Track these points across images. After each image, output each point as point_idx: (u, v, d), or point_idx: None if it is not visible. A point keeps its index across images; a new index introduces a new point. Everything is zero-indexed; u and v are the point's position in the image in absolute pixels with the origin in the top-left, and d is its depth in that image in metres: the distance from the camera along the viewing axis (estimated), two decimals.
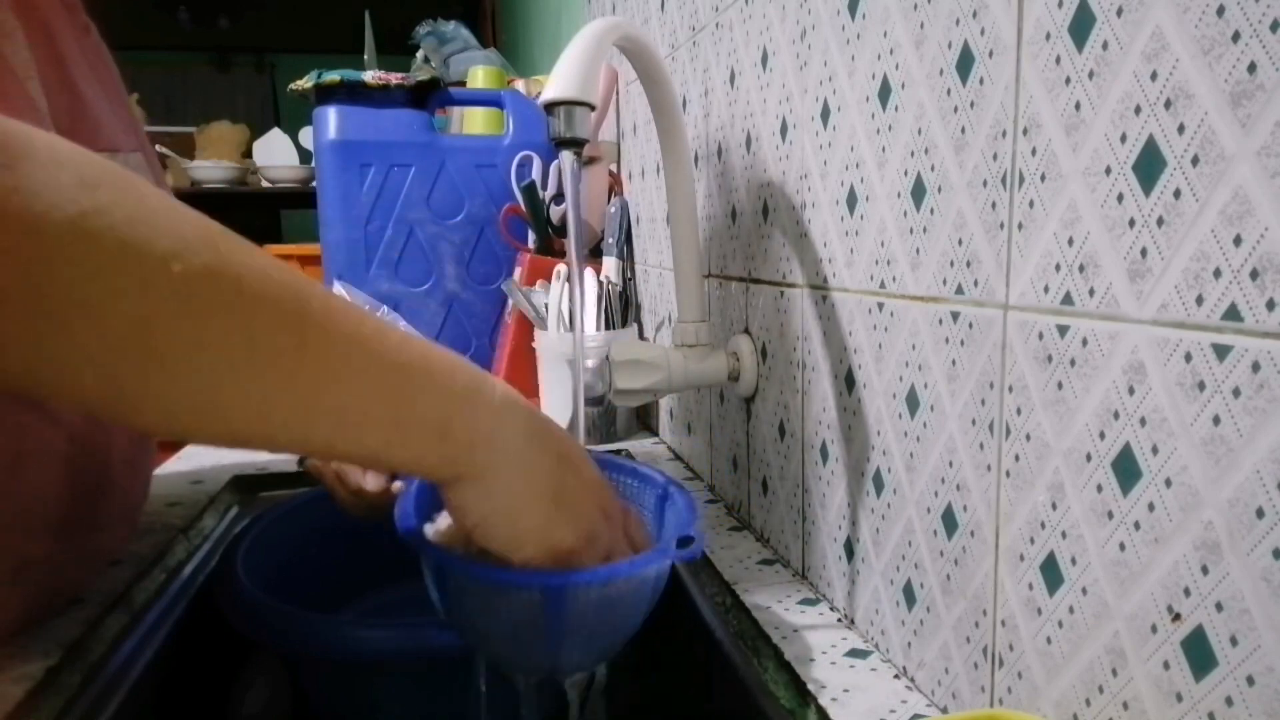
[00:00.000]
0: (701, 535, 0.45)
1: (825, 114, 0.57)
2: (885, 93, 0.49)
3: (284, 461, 0.95)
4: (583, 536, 0.42)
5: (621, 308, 1.01)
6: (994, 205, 0.41)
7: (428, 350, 0.39)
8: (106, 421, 0.35)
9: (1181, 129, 0.31)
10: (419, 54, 1.72)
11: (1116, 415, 0.34)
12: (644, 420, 1.11)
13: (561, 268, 1.01)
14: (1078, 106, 0.35)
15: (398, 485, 0.56)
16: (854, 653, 0.54)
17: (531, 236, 1.17)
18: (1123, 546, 0.34)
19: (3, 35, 0.47)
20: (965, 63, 0.42)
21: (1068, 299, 0.36)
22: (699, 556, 0.46)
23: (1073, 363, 0.36)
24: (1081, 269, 0.35)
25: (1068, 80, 0.36)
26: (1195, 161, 0.30)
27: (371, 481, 0.56)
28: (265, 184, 3.20)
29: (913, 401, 0.49)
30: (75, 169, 0.30)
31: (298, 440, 0.36)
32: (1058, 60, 0.36)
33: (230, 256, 0.33)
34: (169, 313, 0.31)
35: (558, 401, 1.01)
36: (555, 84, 0.56)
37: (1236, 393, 0.29)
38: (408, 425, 0.38)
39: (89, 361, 0.30)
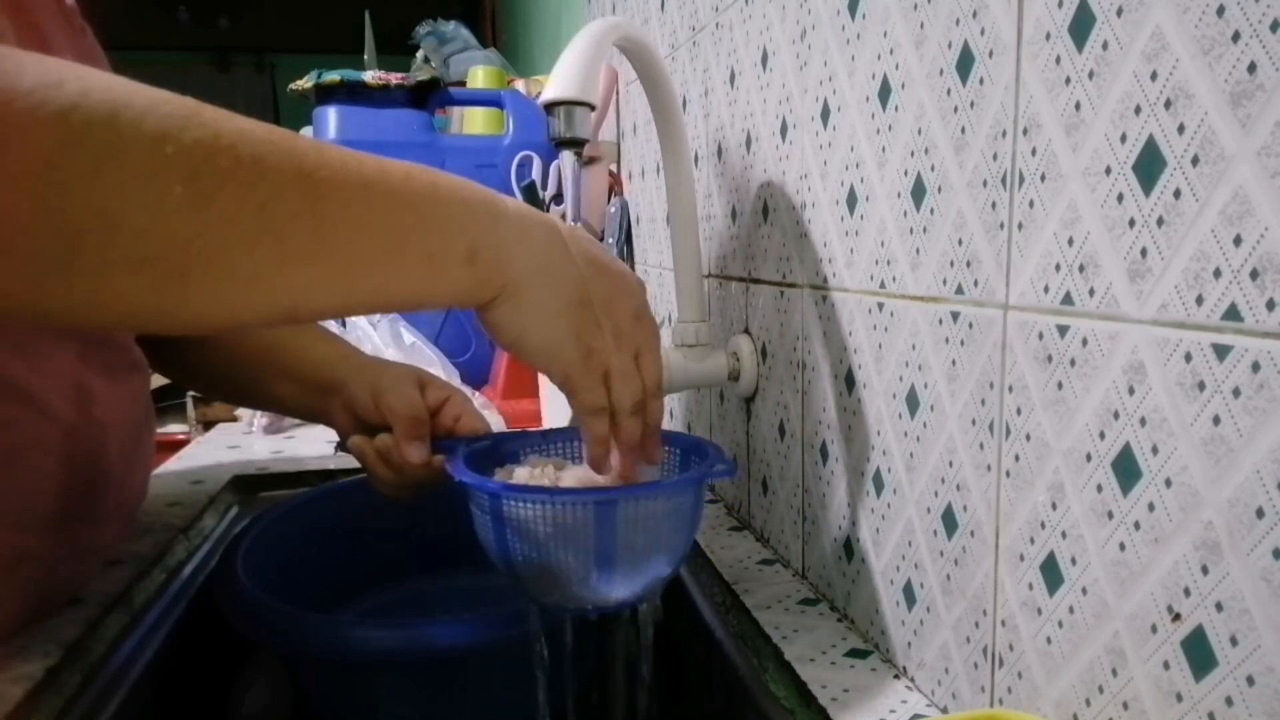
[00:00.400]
0: (731, 463, 0.48)
1: (825, 114, 0.57)
2: (885, 93, 0.49)
3: (284, 461, 0.95)
4: (613, 336, 0.44)
5: None
6: (994, 205, 0.41)
7: (435, 179, 0.39)
8: (154, 329, 0.35)
9: (1181, 129, 0.31)
10: (419, 54, 1.73)
11: (1116, 415, 0.34)
12: None
13: None
14: (1078, 106, 0.35)
15: (439, 459, 0.57)
16: (854, 653, 0.54)
17: None
18: (1123, 546, 0.34)
19: None
20: (965, 63, 0.42)
21: (1068, 299, 0.36)
22: (734, 474, 0.48)
23: (1073, 363, 0.36)
24: (1081, 269, 0.35)
25: (1068, 80, 0.36)
26: (1195, 161, 0.30)
27: (415, 453, 0.56)
28: None
29: (913, 401, 0.49)
30: (33, 74, 0.28)
31: (341, 300, 0.37)
32: (1058, 60, 0.36)
33: (218, 126, 0.32)
34: (178, 201, 0.30)
35: (558, 401, 1.01)
36: (555, 84, 0.56)
37: (1236, 393, 0.29)
38: (438, 258, 0.38)
39: (119, 270, 0.30)
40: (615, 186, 1.18)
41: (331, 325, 1.14)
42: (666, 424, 1.02)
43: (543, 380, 1.04)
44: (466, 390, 1.02)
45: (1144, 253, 0.32)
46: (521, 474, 0.53)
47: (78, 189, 0.29)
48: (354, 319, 1.10)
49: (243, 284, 0.33)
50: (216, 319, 0.35)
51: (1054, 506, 0.38)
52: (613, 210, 1.12)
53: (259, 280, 0.33)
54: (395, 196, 0.37)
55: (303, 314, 0.36)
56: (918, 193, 0.47)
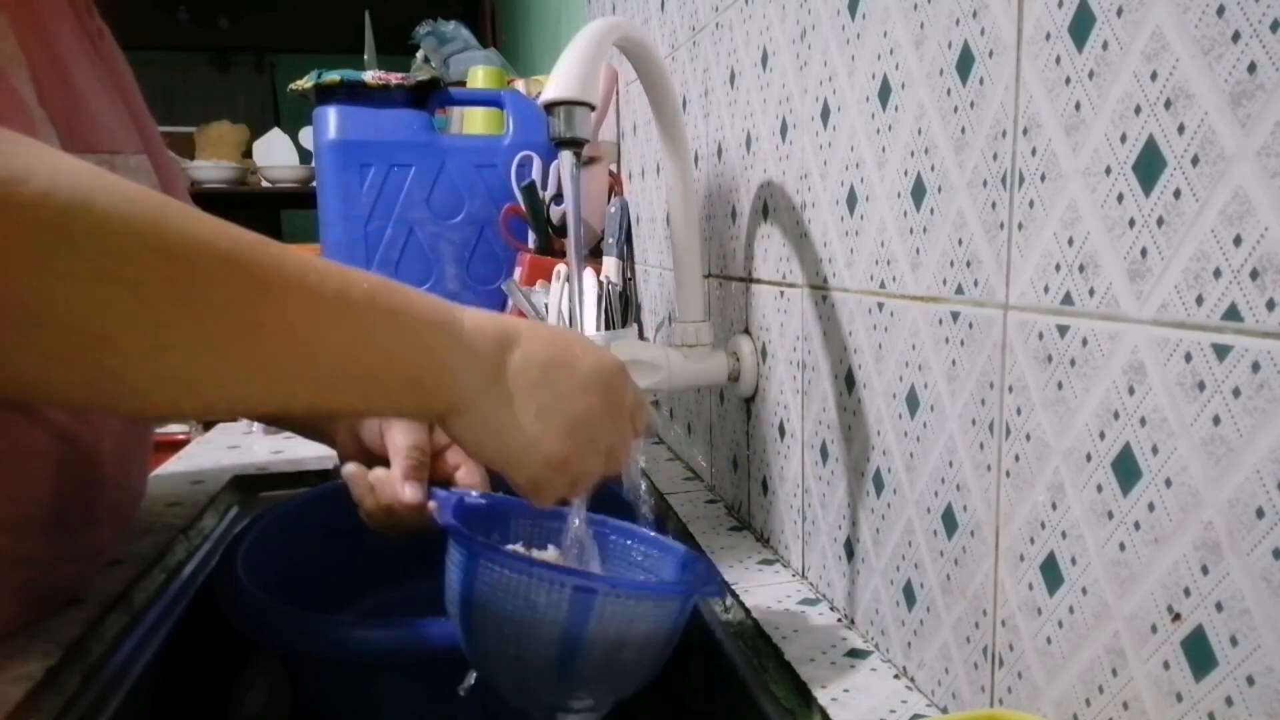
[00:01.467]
0: (722, 588, 0.47)
1: (825, 114, 0.57)
2: (885, 93, 0.49)
3: (284, 461, 0.95)
4: (577, 442, 0.43)
5: (621, 308, 1.01)
6: (994, 205, 0.41)
7: (395, 299, 0.39)
8: (93, 414, 0.36)
9: (1181, 129, 0.31)
10: (419, 54, 1.72)
11: (1116, 415, 0.34)
12: None
13: (561, 268, 1.01)
14: (1078, 106, 0.35)
15: (432, 505, 0.55)
16: (854, 653, 0.54)
17: (531, 236, 1.17)
18: (1123, 546, 0.34)
19: None
20: (965, 63, 0.42)
21: (1068, 299, 0.36)
22: (718, 596, 0.47)
23: (1073, 363, 0.36)
24: (1081, 269, 0.35)
25: (1068, 80, 0.36)
26: (1195, 161, 0.30)
27: (410, 493, 0.55)
28: (265, 184, 3.20)
29: (913, 401, 0.49)
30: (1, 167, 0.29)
31: (280, 406, 0.37)
32: (1058, 60, 0.36)
33: (180, 233, 0.33)
34: (122, 306, 0.31)
35: None
36: (555, 84, 0.56)
37: (1236, 393, 0.29)
38: (381, 378, 0.39)
39: (59, 363, 0.31)
40: (615, 186, 1.18)
41: None
42: (666, 424, 1.02)
43: None
44: None
45: (1144, 253, 0.32)
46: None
47: (22, 279, 0.29)
48: None
49: (177, 387, 0.34)
50: (152, 412, 0.35)
51: (1054, 506, 0.38)
52: (613, 210, 1.12)
53: (195, 386, 0.34)
54: (346, 317, 0.37)
55: (240, 414, 0.36)
56: (918, 193, 0.47)
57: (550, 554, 0.54)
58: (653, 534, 0.57)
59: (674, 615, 0.46)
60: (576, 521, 0.52)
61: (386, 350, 0.38)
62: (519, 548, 0.55)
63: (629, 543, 0.56)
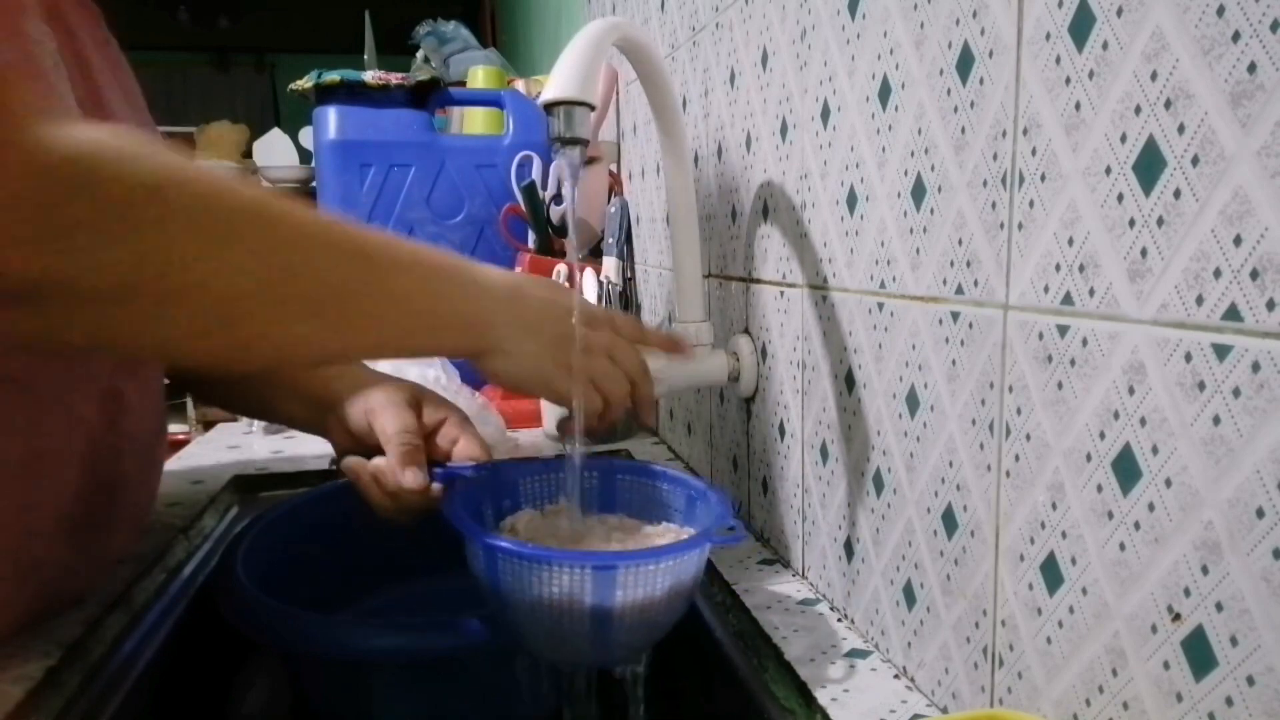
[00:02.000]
0: (741, 525, 0.49)
1: (825, 114, 0.57)
2: (885, 93, 0.49)
3: (284, 461, 0.95)
4: (587, 351, 0.54)
5: (621, 308, 1.01)
6: (994, 205, 0.41)
7: (454, 265, 0.50)
8: (225, 368, 0.56)
9: (1181, 129, 0.31)
10: (419, 54, 1.72)
11: (1116, 415, 0.34)
12: None
13: (561, 268, 1.01)
14: (1078, 106, 0.35)
15: (436, 487, 0.56)
16: (854, 653, 0.54)
17: (531, 236, 1.17)
18: (1123, 546, 0.34)
19: (39, 42, 0.47)
20: (965, 63, 0.42)
21: (1068, 299, 0.36)
22: (736, 541, 0.49)
23: (1073, 363, 0.36)
24: (1081, 269, 0.35)
25: (1068, 80, 0.36)
26: (1195, 161, 0.30)
27: (410, 478, 0.56)
28: (265, 184, 3.19)
29: (913, 401, 0.49)
30: (159, 163, 0.38)
31: (372, 350, 0.52)
32: (1058, 60, 0.36)
33: (291, 232, 0.43)
34: (260, 282, 0.41)
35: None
36: (555, 84, 0.56)
37: (1236, 393, 0.29)
38: (442, 327, 0.50)
39: (210, 329, 0.41)
40: (615, 186, 1.18)
41: None
42: (666, 424, 1.02)
43: None
44: (467, 391, 1.02)
45: (1144, 253, 0.32)
46: (523, 519, 0.55)
47: (188, 267, 0.38)
48: None
49: (301, 344, 0.45)
50: (256, 365, 0.53)
51: (1054, 506, 0.38)
52: (613, 210, 1.12)
53: (313, 343, 0.46)
54: (429, 286, 0.49)
55: (341, 360, 0.57)
56: (918, 193, 0.47)
57: (562, 505, 0.57)
58: (658, 467, 0.60)
59: (695, 564, 0.49)
60: (584, 472, 0.57)
61: (450, 308, 0.49)
62: (532, 511, 0.57)
63: (639, 480, 0.59)
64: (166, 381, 0.70)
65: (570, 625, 0.46)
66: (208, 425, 1.29)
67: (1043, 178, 0.37)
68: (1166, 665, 0.33)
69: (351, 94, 1.15)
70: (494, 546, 0.46)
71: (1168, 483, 0.32)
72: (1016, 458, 0.40)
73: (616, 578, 0.45)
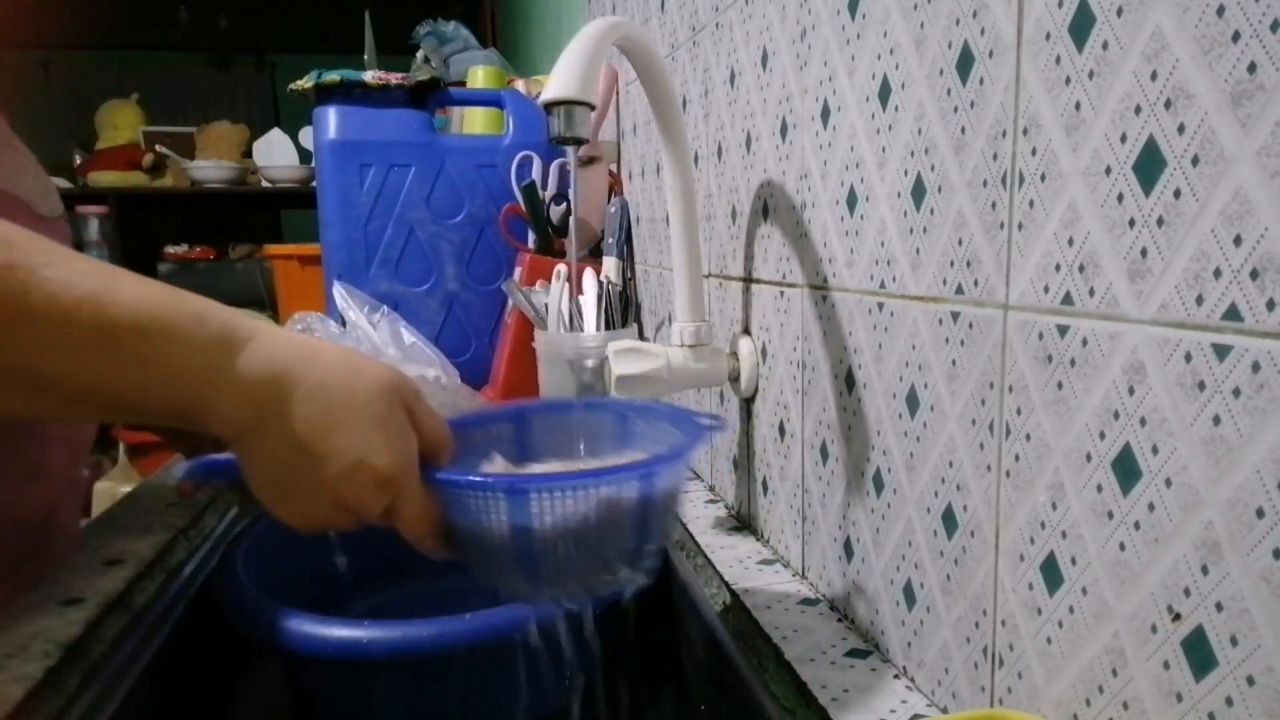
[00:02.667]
0: (706, 428, 0.47)
1: (825, 114, 0.57)
2: (885, 93, 0.49)
3: None
4: (310, 521, 0.43)
5: (621, 308, 1.01)
6: (994, 205, 0.41)
7: (155, 318, 0.38)
8: None
9: (1181, 129, 0.31)
10: (419, 54, 1.73)
11: (1116, 415, 0.34)
12: None
13: (561, 268, 1.01)
14: (1078, 106, 0.35)
15: None
16: (854, 653, 0.54)
17: (531, 236, 1.17)
18: (1123, 546, 0.34)
19: None
20: (965, 63, 0.42)
21: (1068, 299, 0.36)
22: (725, 429, 0.47)
23: (1073, 363, 0.36)
24: (1081, 269, 0.35)
25: (1068, 80, 0.35)
26: (1195, 161, 0.30)
27: None
28: (265, 184, 3.20)
29: (913, 401, 0.49)
30: None
31: (38, 416, 0.43)
32: (1058, 60, 0.36)
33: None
34: None
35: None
36: (555, 84, 0.56)
37: (1236, 393, 0.29)
38: (150, 405, 0.39)
39: None
40: (615, 186, 1.18)
41: (332, 323, 1.14)
42: None
43: (543, 380, 1.04)
44: (467, 391, 1.02)
45: (1144, 253, 0.32)
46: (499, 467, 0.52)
47: None
48: (355, 318, 1.10)
49: None
50: None
51: (1054, 506, 0.38)
52: (613, 210, 1.12)
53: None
54: (99, 345, 0.37)
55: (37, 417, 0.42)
56: (918, 193, 0.47)
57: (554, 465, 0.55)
58: (654, 406, 0.57)
59: (637, 489, 0.45)
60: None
61: (157, 378, 0.38)
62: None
63: (628, 419, 0.56)
64: None
65: (499, 552, 0.44)
66: None
67: (1043, 178, 0.37)
68: (1166, 665, 0.33)
69: (351, 94, 1.15)
70: (431, 476, 0.44)
71: (1168, 483, 0.32)
72: (1016, 458, 0.40)
73: (529, 503, 0.42)
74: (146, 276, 0.40)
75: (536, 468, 0.55)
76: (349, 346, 0.45)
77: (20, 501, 0.59)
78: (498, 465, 0.53)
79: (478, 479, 0.45)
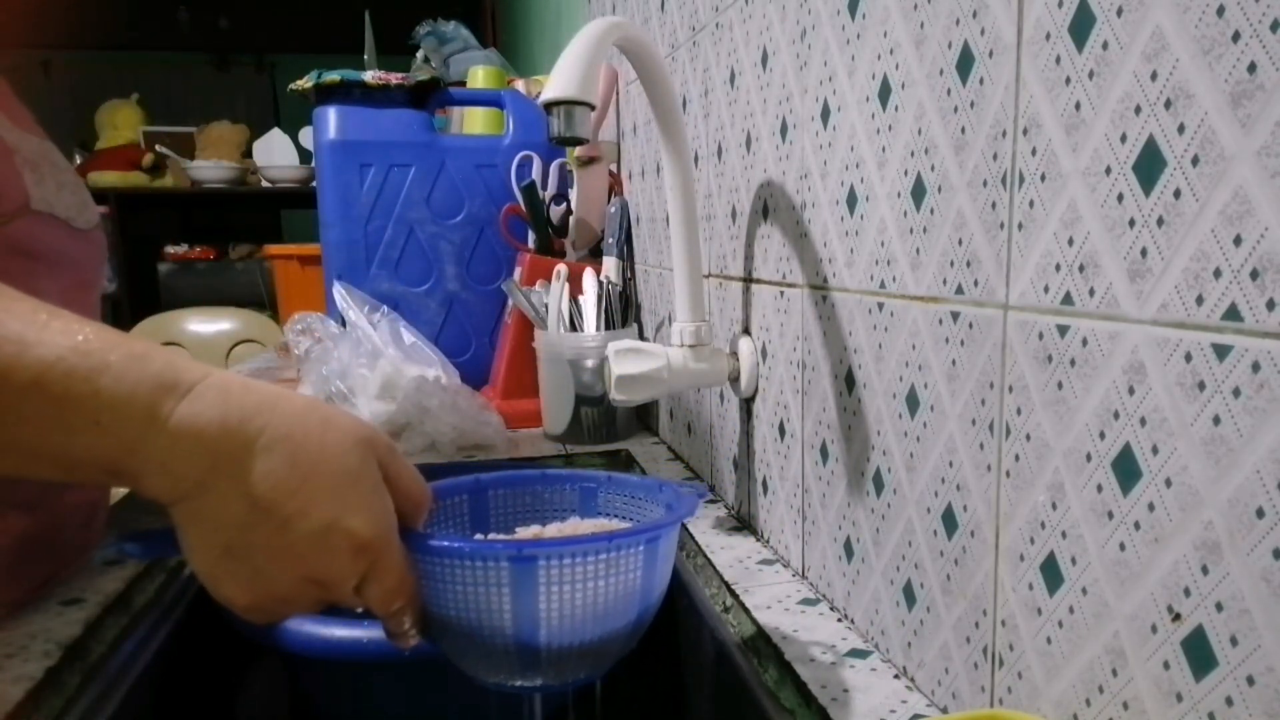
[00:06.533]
0: (689, 500, 0.44)
1: (825, 114, 0.57)
2: (885, 93, 0.49)
3: None
4: (264, 598, 0.37)
5: (621, 308, 1.01)
6: (994, 205, 0.41)
7: (92, 376, 0.33)
8: None
9: (1181, 129, 0.31)
10: (419, 54, 1.73)
11: (1116, 415, 0.34)
12: (644, 420, 1.11)
13: (561, 268, 1.01)
14: (1078, 106, 0.35)
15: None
16: (854, 653, 0.54)
17: (531, 236, 1.17)
18: (1123, 546, 0.34)
19: None
20: (965, 63, 0.42)
21: (1068, 299, 0.36)
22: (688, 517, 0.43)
23: (1073, 363, 0.36)
24: (1081, 269, 0.35)
25: (1068, 80, 0.36)
26: (1195, 161, 0.30)
27: None
28: (265, 184, 3.20)
29: (913, 401, 0.49)
30: None
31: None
32: (1058, 60, 0.36)
33: None
34: None
35: (558, 401, 1.01)
36: (555, 84, 0.56)
37: (1236, 393, 0.29)
38: (74, 459, 0.34)
39: None
40: (615, 186, 1.18)
41: (332, 322, 1.14)
42: (666, 424, 1.02)
43: (543, 380, 1.04)
44: (467, 391, 1.02)
45: (1144, 253, 0.32)
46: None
47: None
48: (355, 318, 1.10)
49: None
50: None
51: (1054, 506, 0.38)
52: (613, 210, 1.12)
53: None
54: (25, 373, 0.33)
55: None
56: (918, 193, 0.47)
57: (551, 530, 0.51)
58: (646, 481, 0.52)
59: (642, 559, 0.42)
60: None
61: (60, 424, 0.33)
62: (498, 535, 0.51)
63: (615, 496, 0.52)
64: None
65: (494, 632, 0.39)
66: None
67: (1043, 178, 0.37)
68: (1166, 665, 0.33)
69: (351, 94, 1.15)
70: (418, 541, 0.40)
71: (1168, 483, 0.32)
72: (1016, 458, 0.40)
73: (537, 571, 0.38)
74: (99, 323, 0.35)
75: (523, 532, 0.50)
76: (314, 396, 0.41)
77: (66, 505, 0.59)
78: None
79: (479, 544, 0.41)
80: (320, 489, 0.36)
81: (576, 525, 0.51)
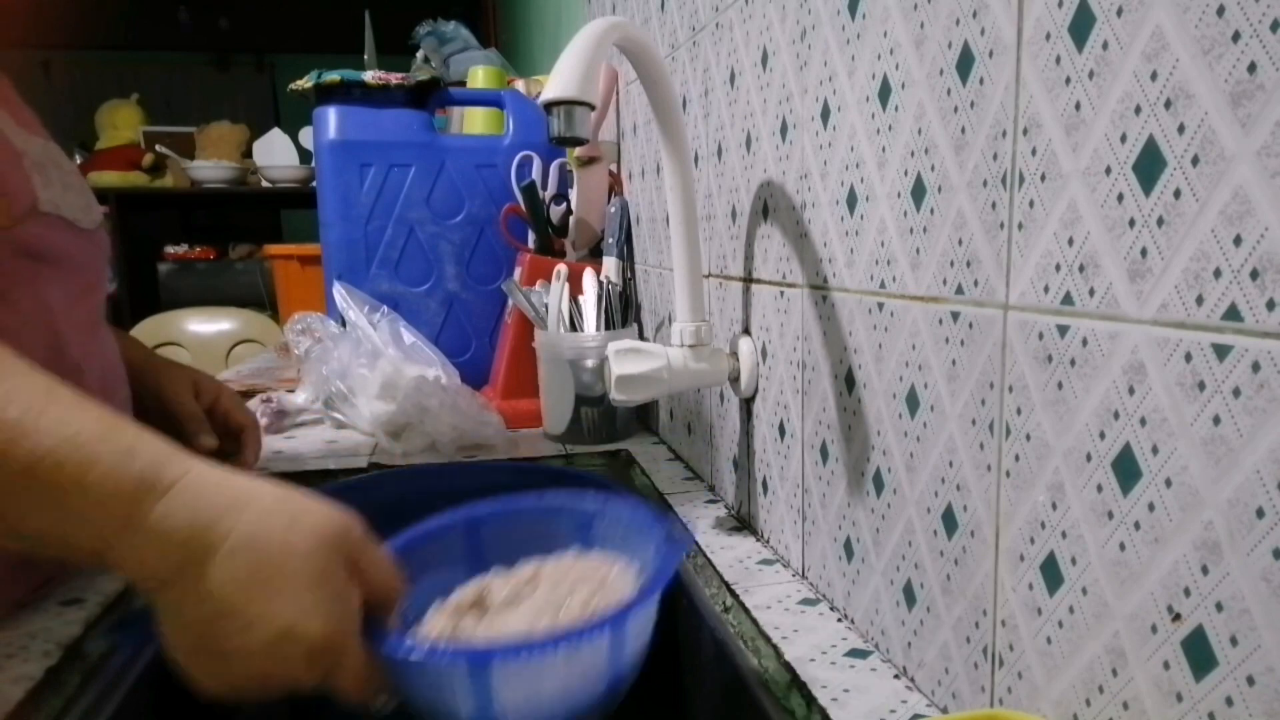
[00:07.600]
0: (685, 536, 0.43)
1: (825, 114, 0.57)
2: (885, 93, 0.49)
3: (284, 461, 0.95)
4: (232, 689, 0.39)
5: (621, 308, 1.01)
6: (994, 205, 0.41)
7: (92, 451, 0.36)
8: None
9: (1181, 129, 0.31)
10: (419, 54, 1.73)
11: (1116, 415, 0.34)
12: (644, 420, 1.11)
13: (561, 268, 1.01)
14: (1078, 106, 0.35)
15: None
16: (854, 653, 0.54)
17: (531, 236, 1.17)
18: (1123, 546, 0.34)
19: None
20: (965, 63, 0.42)
21: (1068, 299, 0.36)
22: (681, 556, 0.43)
23: (1073, 363, 0.36)
24: (1081, 269, 0.35)
25: (1068, 80, 0.36)
26: (1195, 161, 0.30)
27: (207, 441, 0.62)
28: (265, 184, 3.20)
29: (913, 401, 0.49)
30: None
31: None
32: (1058, 60, 0.36)
33: None
34: None
35: (558, 401, 1.01)
36: (555, 84, 0.56)
37: (1236, 393, 0.29)
38: (71, 545, 0.37)
39: None
40: (615, 186, 1.18)
41: (332, 322, 1.14)
42: (666, 424, 1.02)
43: (543, 380, 1.04)
44: (467, 391, 1.02)
45: (1144, 253, 0.32)
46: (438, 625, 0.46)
47: None
48: (355, 318, 1.10)
49: None
50: None
51: (1054, 506, 0.38)
52: (613, 210, 1.12)
53: None
54: (22, 464, 0.35)
55: None
56: (918, 193, 0.47)
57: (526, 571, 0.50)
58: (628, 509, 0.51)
59: (605, 649, 0.41)
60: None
61: (56, 515, 0.36)
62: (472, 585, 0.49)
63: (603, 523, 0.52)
64: None
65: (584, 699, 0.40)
66: None
67: (1043, 178, 0.37)
68: (1166, 665, 0.33)
69: (351, 94, 1.15)
70: (377, 647, 0.40)
71: (1168, 483, 0.32)
72: (1016, 458, 0.40)
73: (491, 674, 0.38)
74: (90, 403, 0.38)
75: (495, 586, 0.49)
76: (290, 489, 0.41)
77: None
78: (446, 610, 0.47)
79: (430, 650, 0.41)
80: (278, 593, 0.38)
81: (575, 562, 0.50)
